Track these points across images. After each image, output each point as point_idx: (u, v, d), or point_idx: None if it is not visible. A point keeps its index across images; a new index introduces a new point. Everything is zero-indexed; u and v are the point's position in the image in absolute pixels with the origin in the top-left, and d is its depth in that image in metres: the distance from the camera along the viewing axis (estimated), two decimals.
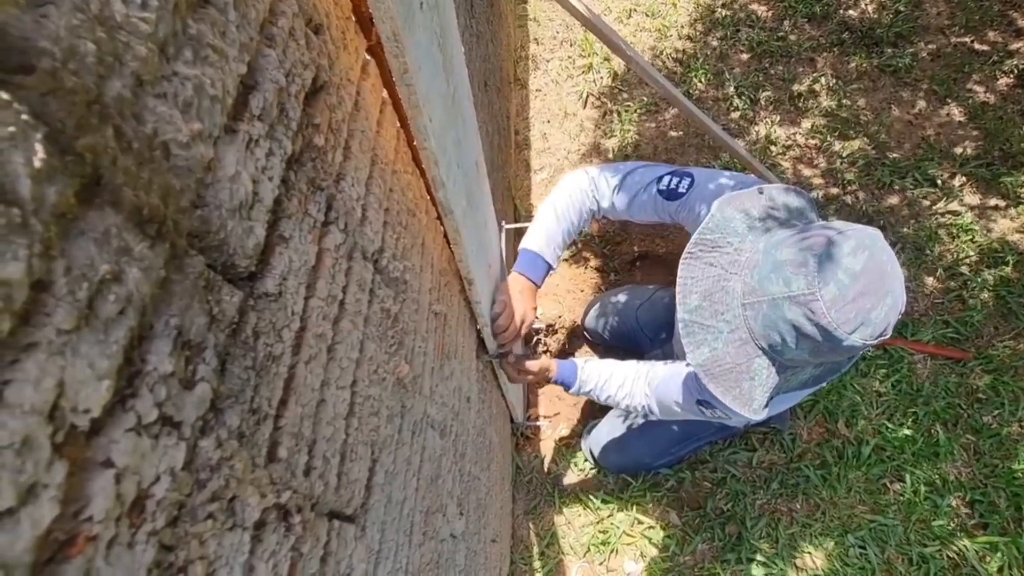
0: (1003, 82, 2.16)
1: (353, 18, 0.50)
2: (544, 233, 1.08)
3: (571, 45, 2.40)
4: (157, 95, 0.24)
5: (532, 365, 1.13)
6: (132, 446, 0.22)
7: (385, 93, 0.58)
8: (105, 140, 0.21)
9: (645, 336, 1.59)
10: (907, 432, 1.60)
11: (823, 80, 2.19)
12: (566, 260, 1.95)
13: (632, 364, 1.17)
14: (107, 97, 0.21)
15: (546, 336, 1.84)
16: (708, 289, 0.85)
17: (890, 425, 1.61)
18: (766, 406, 0.86)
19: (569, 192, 1.10)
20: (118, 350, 0.21)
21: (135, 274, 0.22)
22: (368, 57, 0.54)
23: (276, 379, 0.33)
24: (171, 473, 0.24)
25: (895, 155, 2.02)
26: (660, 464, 1.53)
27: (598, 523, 1.55)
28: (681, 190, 1.01)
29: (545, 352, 1.83)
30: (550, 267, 1.08)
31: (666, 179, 1.03)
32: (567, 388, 1.19)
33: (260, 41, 0.33)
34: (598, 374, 1.17)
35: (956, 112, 2.10)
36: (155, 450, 0.23)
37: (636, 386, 1.14)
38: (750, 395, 0.85)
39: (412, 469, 0.61)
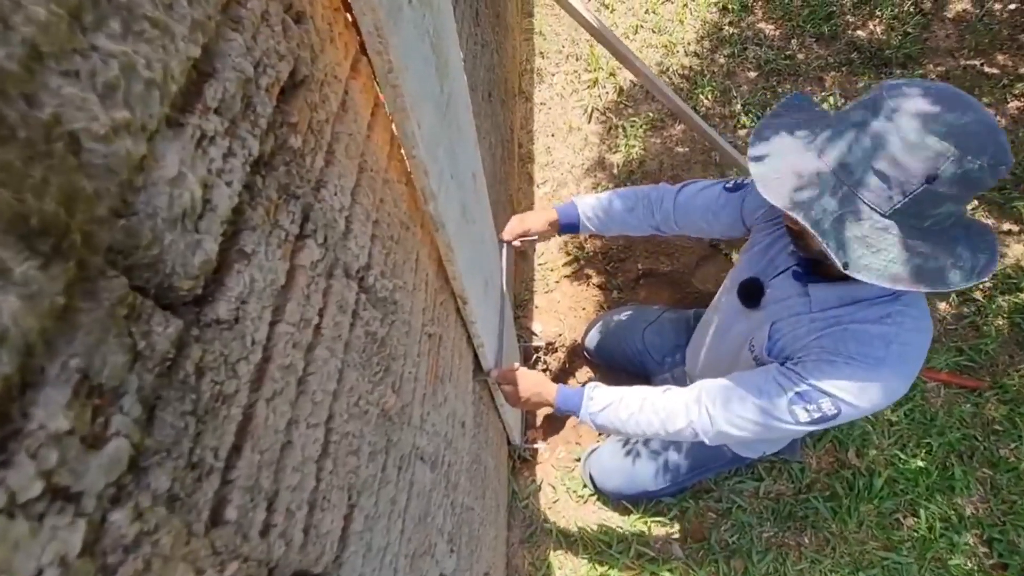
0: (1013, 105, 2.13)
1: (344, 11, 0.46)
2: (588, 196, 1.22)
3: (577, 59, 2.38)
4: (64, 72, 0.19)
5: (522, 379, 1.04)
6: None
7: (380, 95, 0.53)
8: None
9: (652, 359, 1.53)
10: (921, 463, 1.53)
11: (831, 99, 2.16)
12: (566, 276, 1.90)
13: (649, 388, 1.05)
14: None
15: (545, 355, 1.78)
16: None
17: (903, 456, 1.54)
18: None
19: (636, 187, 1.23)
20: None
21: (12, 304, 0.17)
22: (362, 55, 0.50)
23: (226, 423, 0.28)
24: (61, 563, 0.18)
25: None
26: (663, 492, 1.46)
27: (597, 553, 1.47)
28: (744, 183, 1.11)
29: (544, 372, 1.76)
30: (578, 215, 1.19)
31: (729, 183, 1.14)
32: (574, 413, 1.07)
33: (222, 22, 0.28)
34: (609, 395, 1.04)
35: None
36: (36, 535, 0.17)
37: (674, 405, 0.99)
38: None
39: (397, 509, 0.55)
